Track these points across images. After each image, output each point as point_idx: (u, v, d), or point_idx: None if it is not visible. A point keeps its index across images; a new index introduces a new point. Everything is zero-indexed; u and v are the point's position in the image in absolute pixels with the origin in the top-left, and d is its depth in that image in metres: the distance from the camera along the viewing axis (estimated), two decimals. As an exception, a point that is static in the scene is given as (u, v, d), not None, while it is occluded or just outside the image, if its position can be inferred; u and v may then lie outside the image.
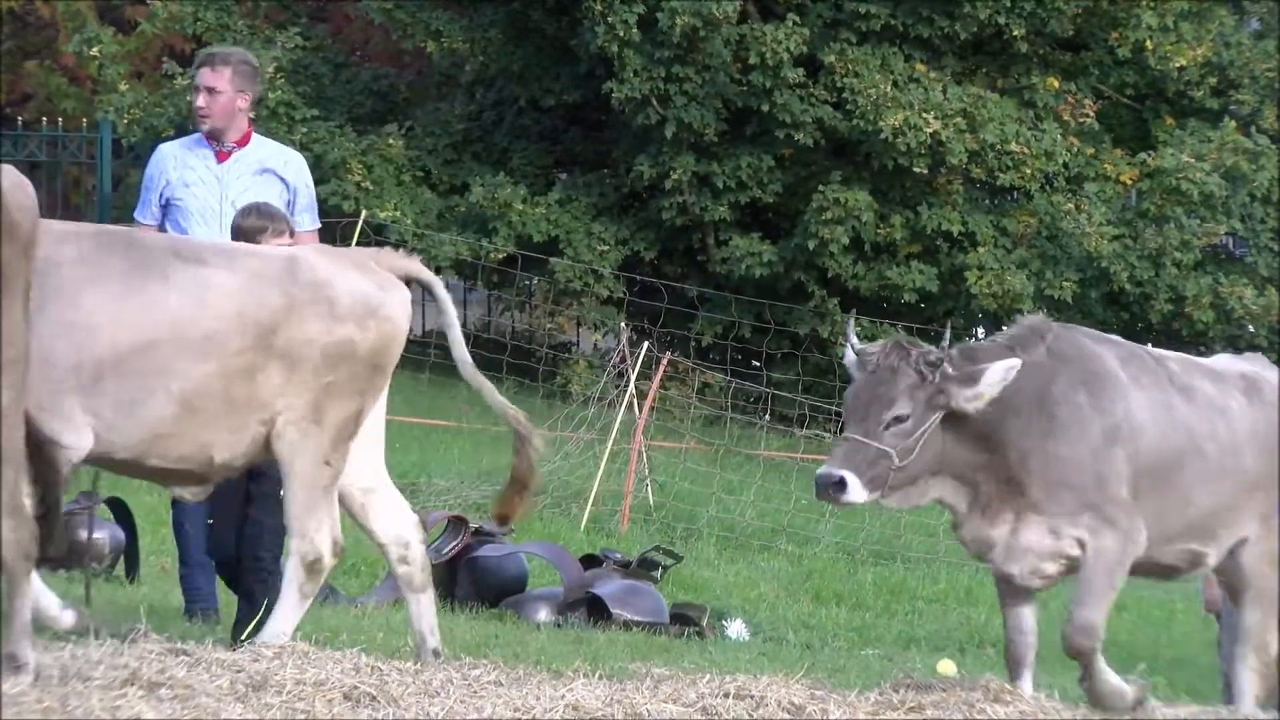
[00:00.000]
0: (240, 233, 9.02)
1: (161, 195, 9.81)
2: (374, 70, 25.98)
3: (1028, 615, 8.50)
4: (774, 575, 15.42)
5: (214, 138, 9.77)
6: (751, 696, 7.98)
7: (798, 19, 22.56)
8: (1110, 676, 8.40)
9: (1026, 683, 8.44)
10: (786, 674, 8.66)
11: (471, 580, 12.52)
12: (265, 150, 9.86)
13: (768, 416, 20.96)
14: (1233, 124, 22.68)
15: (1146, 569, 8.80)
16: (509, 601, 12.38)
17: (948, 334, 8.59)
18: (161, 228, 9.80)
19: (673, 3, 21.96)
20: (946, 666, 10.71)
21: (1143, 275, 22.23)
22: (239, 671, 7.43)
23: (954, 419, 8.22)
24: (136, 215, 10.00)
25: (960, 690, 8.14)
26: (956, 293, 22.90)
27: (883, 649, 13.08)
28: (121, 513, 12.17)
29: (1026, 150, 22.59)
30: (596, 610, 12.34)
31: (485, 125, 24.98)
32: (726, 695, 7.94)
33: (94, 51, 24.10)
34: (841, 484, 8.05)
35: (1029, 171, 22.72)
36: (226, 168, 9.72)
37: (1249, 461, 8.71)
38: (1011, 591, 8.49)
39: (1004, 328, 25.97)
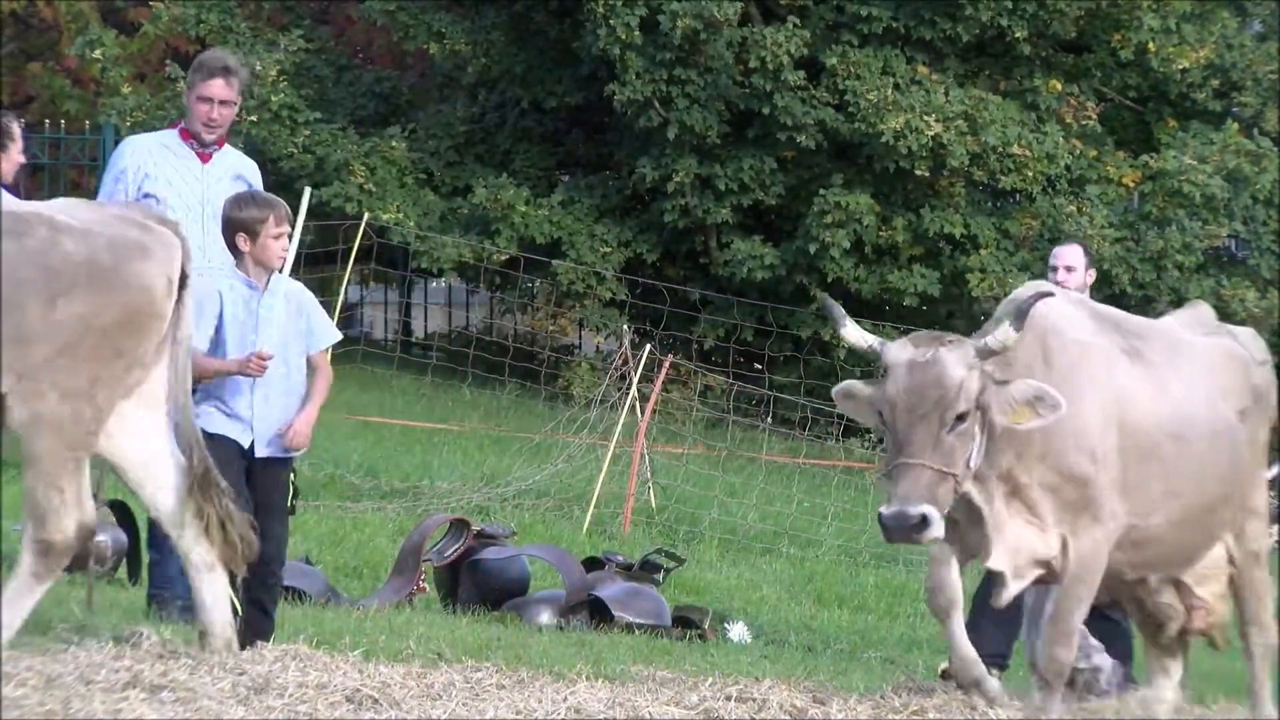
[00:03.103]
0: (237, 224, 8.63)
1: (139, 188, 9.75)
2: (376, 72, 25.99)
3: None
4: (776, 578, 15.41)
5: (202, 141, 9.81)
6: (753, 699, 7.98)
7: (799, 21, 22.58)
8: None
9: None
10: (788, 677, 8.68)
11: (474, 583, 12.50)
12: (232, 156, 9.98)
13: (770, 419, 20.95)
14: (1235, 126, 22.68)
15: None
16: (511, 604, 12.37)
17: None
18: None
19: (674, 5, 21.97)
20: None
21: (1145, 277, 22.22)
22: (241, 674, 7.44)
23: None
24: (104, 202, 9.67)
25: (962, 693, 8.14)
26: (958, 295, 22.90)
27: (885, 652, 13.07)
28: (124, 516, 12.15)
29: (1028, 152, 22.59)
30: (598, 613, 12.34)
31: (487, 127, 24.99)
32: (728, 698, 7.94)
33: (96, 54, 24.11)
34: None
35: (1031, 174, 22.72)
36: (208, 170, 9.79)
37: None
38: None
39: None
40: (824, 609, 14.58)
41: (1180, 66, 23.34)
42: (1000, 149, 22.47)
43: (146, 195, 9.74)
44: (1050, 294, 7.98)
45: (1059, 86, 23.52)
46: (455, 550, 12.53)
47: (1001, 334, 7.70)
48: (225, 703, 7.10)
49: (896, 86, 22.49)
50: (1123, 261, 22.13)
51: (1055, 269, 11.28)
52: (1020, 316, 7.68)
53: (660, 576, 13.12)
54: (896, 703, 8.12)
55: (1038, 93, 23.41)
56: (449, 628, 10.90)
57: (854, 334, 7.94)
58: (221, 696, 7.16)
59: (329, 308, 20.90)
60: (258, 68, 23.13)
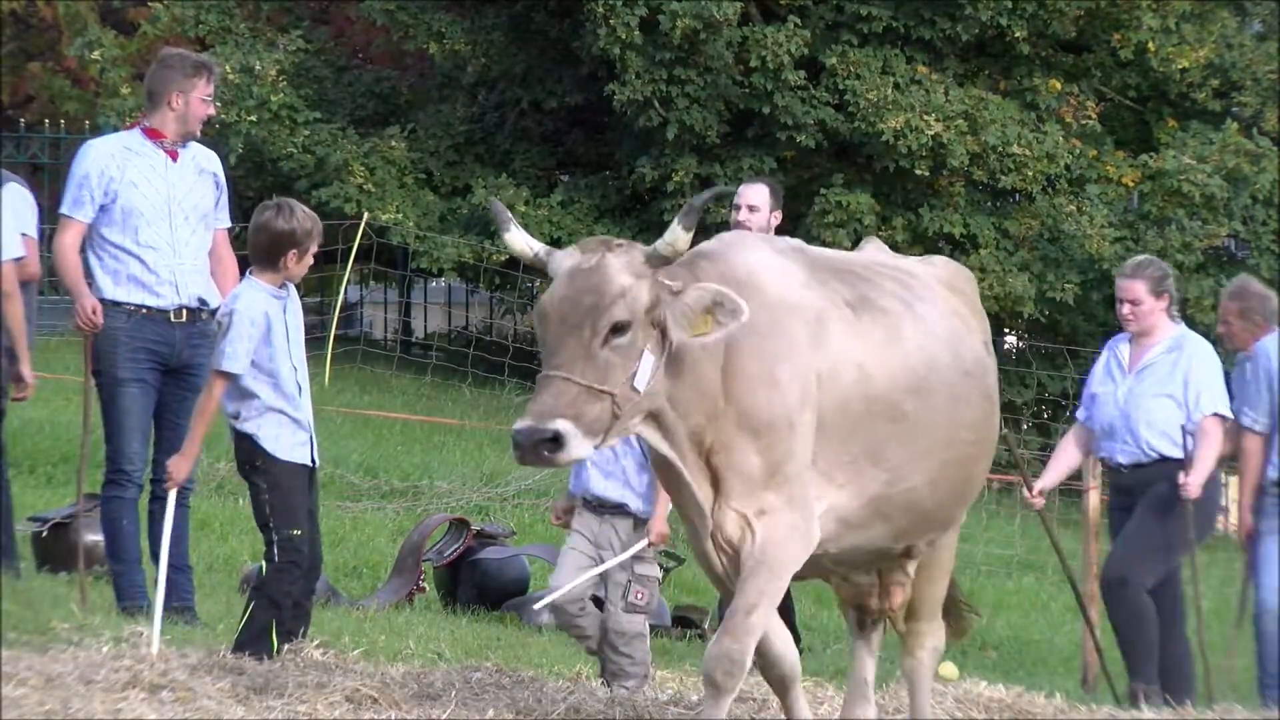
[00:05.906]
0: (290, 241, 8.22)
1: (106, 193, 9.66)
2: (376, 72, 25.99)
3: None
4: (776, 577, 15.39)
5: (185, 139, 9.75)
6: (754, 699, 7.99)
7: (799, 21, 22.58)
8: None
9: None
10: (788, 676, 8.64)
11: (473, 583, 12.51)
12: (196, 149, 9.83)
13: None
14: (1234, 126, 22.68)
15: None
16: (511, 604, 12.37)
17: None
18: (93, 226, 9.63)
19: (674, 5, 21.97)
20: (948, 669, 10.69)
21: (1144, 277, 22.19)
22: (240, 674, 7.44)
23: None
24: (70, 212, 9.64)
25: (960, 691, 8.14)
26: (958, 295, 22.88)
27: (884, 651, 13.04)
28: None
29: (1028, 152, 22.60)
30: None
31: (487, 127, 24.99)
32: (728, 698, 7.93)
33: (95, 55, 24.11)
34: None
35: (1031, 173, 22.73)
36: (175, 167, 9.71)
37: None
38: None
39: (1005, 331, 25.64)
40: (824, 608, 14.57)
41: (1180, 66, 23.35)
42: (1000, 149, 22.48)
43: (115, 200, 9.64)
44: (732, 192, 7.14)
45: (1059, 86, 23.52)
46: (455, 550, 12.54)
47: (671, 235, 6.67)
48: (225, 703, 7.10)
49: (896, 86, 22.50)
50: (1122, 261, 22.09)
51: (738, 207, 10.55)
52: (689, 214, 6.64)
53: (660, 576, 13.11)
54: (896, 703, 8.11)
55: (1037, 92, 23.42)
56: (449, 628, 10.91)
57: (519, 240, 6.90)
58: (221, 696, 7.15)
59: (329, 308, 20.97)
60: (257, 68, 23.14)
